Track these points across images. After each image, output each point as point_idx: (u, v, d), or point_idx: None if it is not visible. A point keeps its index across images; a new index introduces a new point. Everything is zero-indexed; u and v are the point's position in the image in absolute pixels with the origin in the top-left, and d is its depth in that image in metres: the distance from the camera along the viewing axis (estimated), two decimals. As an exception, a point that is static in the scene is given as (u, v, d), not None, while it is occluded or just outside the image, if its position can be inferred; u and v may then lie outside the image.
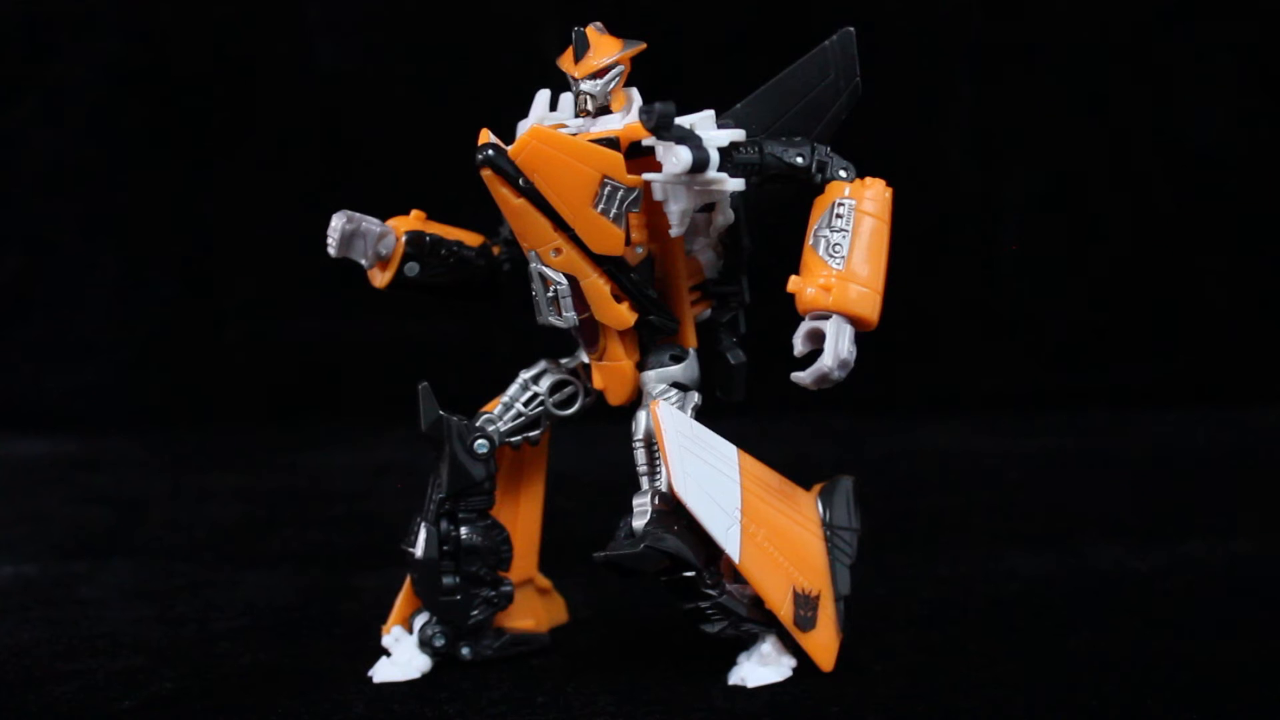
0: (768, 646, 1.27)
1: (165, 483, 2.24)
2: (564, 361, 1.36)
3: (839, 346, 1.18)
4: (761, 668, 1.27)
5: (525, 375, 1.35)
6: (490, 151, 1.20)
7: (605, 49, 1.22)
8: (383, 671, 1.31)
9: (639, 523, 1.22)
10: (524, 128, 1.25)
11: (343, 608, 1.58)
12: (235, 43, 2.62)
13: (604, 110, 1.24)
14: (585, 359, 1.32)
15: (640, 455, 1.27)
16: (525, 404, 1.34)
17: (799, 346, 1.21)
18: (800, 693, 1.24)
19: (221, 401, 2.67)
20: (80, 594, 1.63)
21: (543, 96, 1.29)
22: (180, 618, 1.54)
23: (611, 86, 1.23)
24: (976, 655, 1.37)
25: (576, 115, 1.25)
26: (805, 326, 1.20)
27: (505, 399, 1.35)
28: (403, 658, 1.32)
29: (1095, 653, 1.38)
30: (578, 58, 1.22)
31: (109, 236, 2.67)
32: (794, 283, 1.21)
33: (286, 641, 1.45)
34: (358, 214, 1.32)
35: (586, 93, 1.23)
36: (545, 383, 1.34)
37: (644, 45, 1.23)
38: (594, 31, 1.23)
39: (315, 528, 1.95)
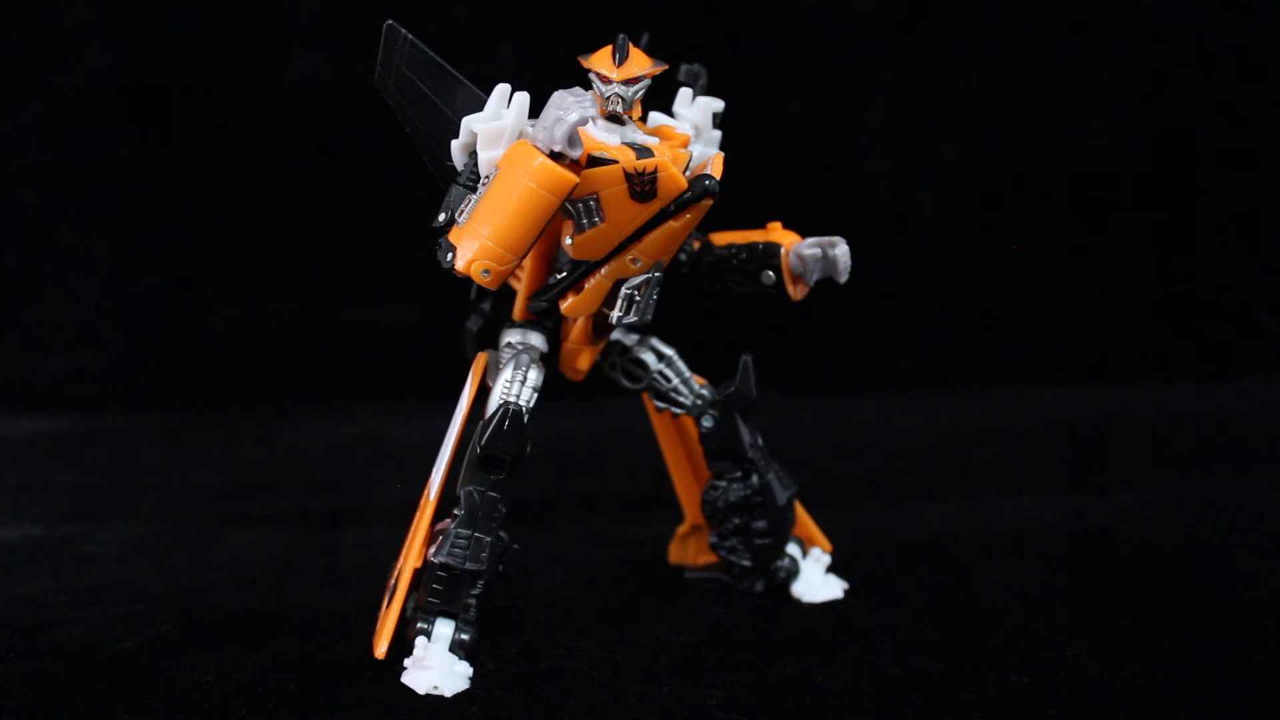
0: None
1: (156, 454, 2.23)
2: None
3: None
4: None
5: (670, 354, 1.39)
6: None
7: (641, 62, 1.18)
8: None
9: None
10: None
11: (321, 560, 1.59)
12: (220, 51, 2.61)
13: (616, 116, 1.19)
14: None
15: None
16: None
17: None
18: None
19: (206, 383, 2.66)
20: (83, 551, 1.64)
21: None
22: (175, 570, 1.55)
23: (639, 95, 1.19)
24: (892, 594, 1.41)
25: (600, 115, 1.18)
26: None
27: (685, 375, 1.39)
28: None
29: (996, 588, 1.42)
30: (619, 62, 1.18)
31: (102, 232, 2.66)
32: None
33: (272, 590, 1.47)
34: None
35: (619, 95, 1.17)
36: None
37: (666, 66, 1.21)
38: (631, 44, 1.20)
39: (294, 492, 1.96)
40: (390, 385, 2.61)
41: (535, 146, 1.15)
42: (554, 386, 1.30)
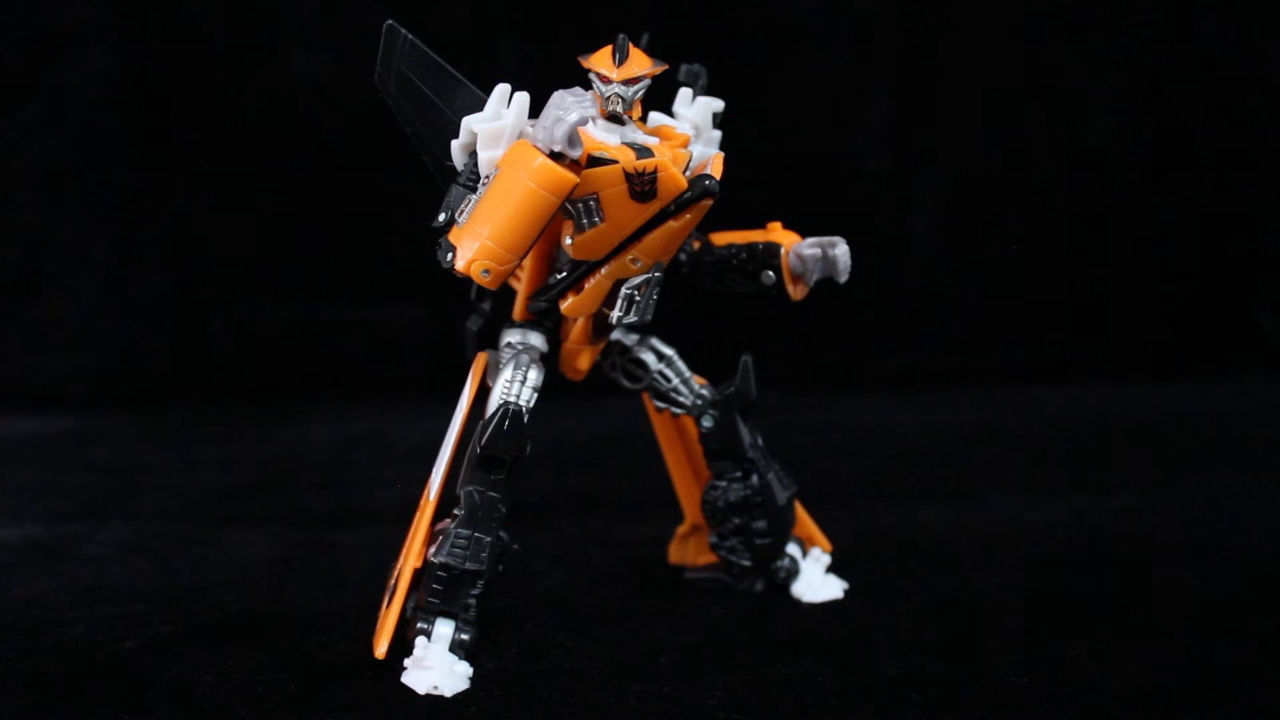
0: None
1: (156, 454, 2.23)
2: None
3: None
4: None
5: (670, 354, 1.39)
6: None
7: (641, 62, 1.18)
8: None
9: None
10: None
11: (321, 560, 1.59)
12: (220, 51, 2.61)
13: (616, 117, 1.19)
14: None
15: None
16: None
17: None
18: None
19: (206, 383, 2.66)
20: (83, 551, 1.63)
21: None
22: (175, 570, 1.54)
23: (639, 95, 1.19)
24: (892, 594, 1.40)
25: (600, 115, 1.18)
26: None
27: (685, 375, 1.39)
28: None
29: (996, 588, 1.41)
30: (619, 62, 1.17)
31: (102, 232, 2.66)
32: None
33: (272, 590, 1.47)
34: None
35: (619, 95, 1.17)
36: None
37: (666, 66, 1.21)
38: (631, 44, 1.19)
39: (294, 492, 1.96)
40: (390, 385, 2.61)
41: (535, 146, 1.15)
42: (554, 386, 1.30)
